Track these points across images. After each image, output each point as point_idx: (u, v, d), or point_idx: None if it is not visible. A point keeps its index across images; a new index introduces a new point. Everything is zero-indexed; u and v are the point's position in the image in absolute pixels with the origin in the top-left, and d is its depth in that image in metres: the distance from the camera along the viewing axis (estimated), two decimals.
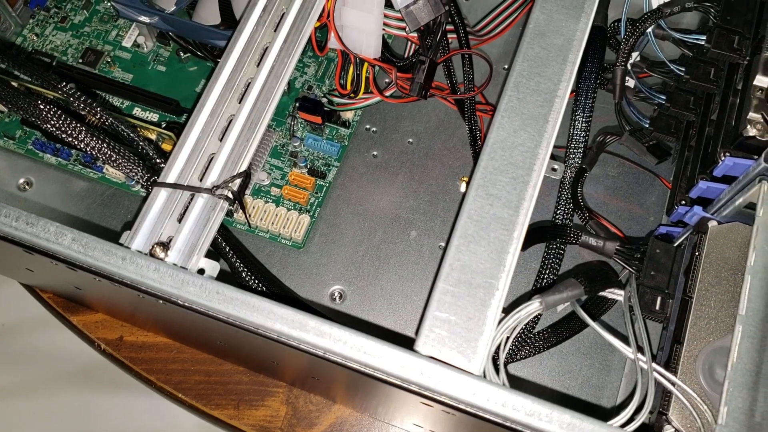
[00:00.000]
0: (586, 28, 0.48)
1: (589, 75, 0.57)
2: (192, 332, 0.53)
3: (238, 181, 0.47)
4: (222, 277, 0.44)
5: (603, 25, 0.60)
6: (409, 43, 0.63)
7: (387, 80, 0.65)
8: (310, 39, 0.59)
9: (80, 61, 0.66)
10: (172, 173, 0.47)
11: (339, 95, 0.63)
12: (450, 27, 0.62)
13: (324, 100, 0.64)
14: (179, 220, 0.45)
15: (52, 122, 0.48)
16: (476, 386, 0.38)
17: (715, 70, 0.54)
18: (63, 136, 0.48)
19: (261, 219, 0.60)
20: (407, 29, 0.58)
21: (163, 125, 0.61)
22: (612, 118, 0.61)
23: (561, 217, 0.58)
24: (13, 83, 0.58)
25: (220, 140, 0.48)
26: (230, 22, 0.61)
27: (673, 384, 0.43)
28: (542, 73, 0.47)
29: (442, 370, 0.38)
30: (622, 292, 0.52)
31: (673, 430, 0.43)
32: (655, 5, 0.55)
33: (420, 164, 0.63)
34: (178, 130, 0.58)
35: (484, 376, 0.39)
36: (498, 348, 0.48)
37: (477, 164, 0.44)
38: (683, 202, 0.52)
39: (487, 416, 0.38)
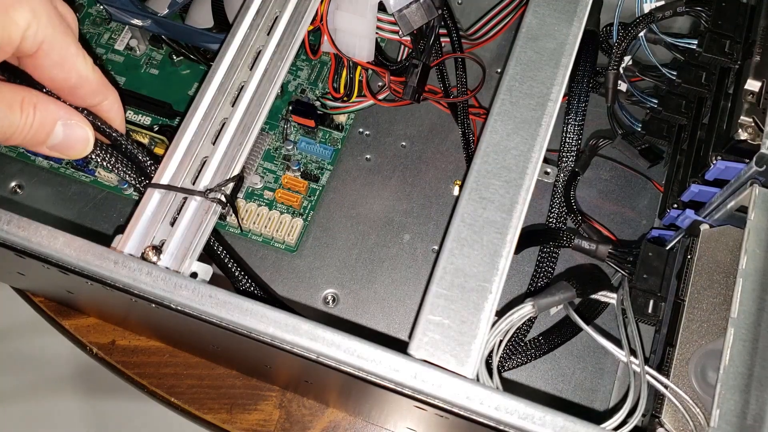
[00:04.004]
0: (579, 32, 0.48)
1: (582, 79, 0.57)
2: (185, 336, 0.53)
3: (231, 184, 0.47)
4: (215, 280, 0.44)
5: (595, 29, 0.60)
6: (403, 46, 0.63)
7: (380, 84, 0.65)
8: (303, 42, 0.59)
9: None
10: (164, 176, 0.47)
11: (332, 99, 0.63)
12: (443, 31, 0.62)
13: (317, 103, 0.64)
14: (172, 224, 0.45)
15: None
16: (469, 389, 0.38)
17: (707, 74, 0.54)
18: None
19: (254, 222, 0.59)
20: (400, 33, 0.59)
21: (156, 129, 0.61)
22: (604, 121, 0.61)
23: (554, 220, 0.58)
24: None
25: (213, 144, 0.48)
26: (223, 26, 0.61)
27: (666, 387, 0.43)
28: (535, 76, 0.47)
29: (436, 373, 0.38)
30: (614, 295, 0.52)
31: None
32: (647, 9, 0.55)
33: (413, 168, 0.63)
34: (170, 133, 0.58)
35: (478, 380, 0.39)
36: (491, 351, 0.48)
37: (470, 168, 0.44)
38: (675, 205, 0.52)
39: (481, 419, 0.38)
